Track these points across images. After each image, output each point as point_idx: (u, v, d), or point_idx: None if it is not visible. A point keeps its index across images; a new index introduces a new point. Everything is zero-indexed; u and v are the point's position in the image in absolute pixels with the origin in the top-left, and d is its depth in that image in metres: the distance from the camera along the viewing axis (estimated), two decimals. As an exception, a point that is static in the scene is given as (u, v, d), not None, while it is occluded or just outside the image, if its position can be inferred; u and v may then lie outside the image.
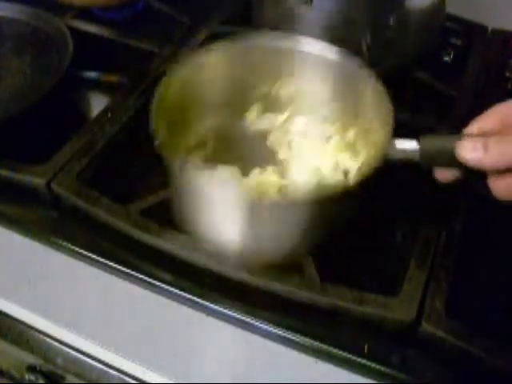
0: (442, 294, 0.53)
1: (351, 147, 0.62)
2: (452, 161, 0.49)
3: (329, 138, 0.64)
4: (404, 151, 0.51)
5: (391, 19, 0.71)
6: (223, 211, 0.52)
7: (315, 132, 0.65)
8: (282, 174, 0.61)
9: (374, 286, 0.55)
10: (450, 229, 0.58)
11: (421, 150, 0.50)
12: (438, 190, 0.61)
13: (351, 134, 0.62)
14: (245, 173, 0.59)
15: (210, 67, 0.61)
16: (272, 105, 0.66)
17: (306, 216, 0.50)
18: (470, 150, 0.47)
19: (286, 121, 0.66)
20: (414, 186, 0.64)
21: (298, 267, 0.55)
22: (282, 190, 0.60)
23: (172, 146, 0.56)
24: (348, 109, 0.62)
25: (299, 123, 0.66)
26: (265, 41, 0.63)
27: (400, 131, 0.63)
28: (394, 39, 0.73)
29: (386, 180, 0.61)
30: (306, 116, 0.65)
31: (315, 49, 0.61)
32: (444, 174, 0.52)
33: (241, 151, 0.63)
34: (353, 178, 0.58)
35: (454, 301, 0.53)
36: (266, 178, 0.60)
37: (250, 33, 0.64)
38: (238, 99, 0.65)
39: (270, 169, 0.61)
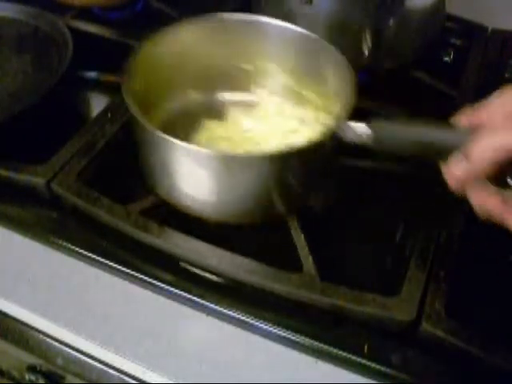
0: (442, 294, 0.53)
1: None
2: (401, 147, 0.50)
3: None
4: (356, 133, 0.53)
5: (391, 19, 0.71)
6: (195, 171, 0.54)
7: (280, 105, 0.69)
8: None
9: (374, 286, 0.55)
10: (450, 229, 0.58)
11: (372, 133, 0.51)
12: (438, 190, 0.61)
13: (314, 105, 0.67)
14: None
15: (179, 43, 0.66)
16: (239, 81, 0.70)
17: (273, 170, 0.53)
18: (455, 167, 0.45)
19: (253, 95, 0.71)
20: (414, 186, 0.64)
21: (298, 267, 0.55)
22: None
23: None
24: (313, 82, 0.66)
25: (265, 98, 0.70)
26: (233, 18, 0.67)
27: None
28: (394, 39, 0.73)
29: (386, 180, 0.62)
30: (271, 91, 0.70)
31: (279, 26, 0.66)
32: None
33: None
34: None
35: (454, 301, 0.53)
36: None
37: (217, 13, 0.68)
38: (208, 76, 0.69)
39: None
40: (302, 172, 0.56)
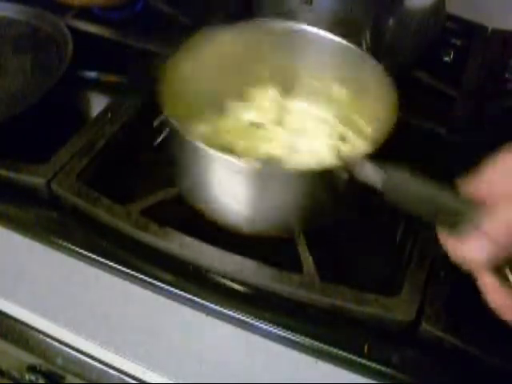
0: (442, 294, 0.53)
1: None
2: (410, 202, 0.47)
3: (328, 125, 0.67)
4: (369, 176, 0.50)
5: (391, 20, 0.71)
6: (229, 181, 0.54)
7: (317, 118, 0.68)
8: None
9: (374, 286, 0.55)
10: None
11: (385, 181, 0.49)
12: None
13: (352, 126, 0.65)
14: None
15: (215, 51, 0.64)
16: (281, 88, 0.68)
17: (302, 188, 0.52)
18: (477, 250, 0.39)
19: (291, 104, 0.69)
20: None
21: (298, 267, 0.55)
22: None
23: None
24: (353, 96, 0.65)
25: (303, 108, 0.68)
26: (271, 24, 0.65)
27: (399, 131, 0.63)
28: (394, 39, 0.73)
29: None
30: (310, 101, 0.68)
31: (319, 34, 0.64)
32: None
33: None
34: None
35: (454, 301, 0.53)
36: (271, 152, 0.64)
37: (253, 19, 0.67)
38: (244, 83, 0.67)
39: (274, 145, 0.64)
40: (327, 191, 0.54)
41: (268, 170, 0.55)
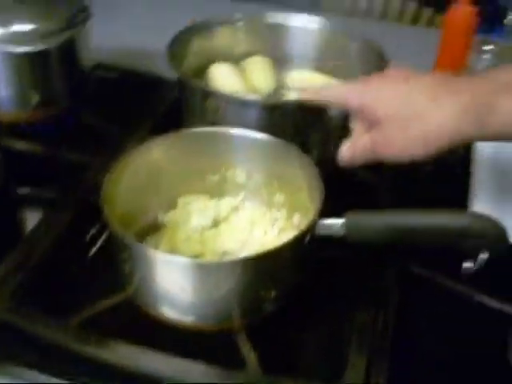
0: (384, 375, 0.54)
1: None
2: (377, 236, 0.54)
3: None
4: (330, 227, 0.56)
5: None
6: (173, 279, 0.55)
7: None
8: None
9: (319, 371, 0.56)
10: (385, 311, 0.60)
11: (346, 225, 0.55)
12: (371, 272, 0.64)
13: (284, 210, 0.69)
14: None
15: (149, 161, 0.66)
16: (218, 190, 0.71)
17: (249, 273, 0.54)
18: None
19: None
20: (347, 269, 0.66)
21: (241, 361, 0.55)
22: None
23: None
24: (283, 185, 0.68)
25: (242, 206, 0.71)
26: (206, 130, 0.69)
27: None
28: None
29: (321, 264, 0.64)
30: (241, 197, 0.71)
31: (248, 134, 0.67)
32: None
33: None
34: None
35: (397, 380, 0.55)
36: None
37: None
38: (178, 188, 0.70)
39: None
40: (278, 270, 0.57)
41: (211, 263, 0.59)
